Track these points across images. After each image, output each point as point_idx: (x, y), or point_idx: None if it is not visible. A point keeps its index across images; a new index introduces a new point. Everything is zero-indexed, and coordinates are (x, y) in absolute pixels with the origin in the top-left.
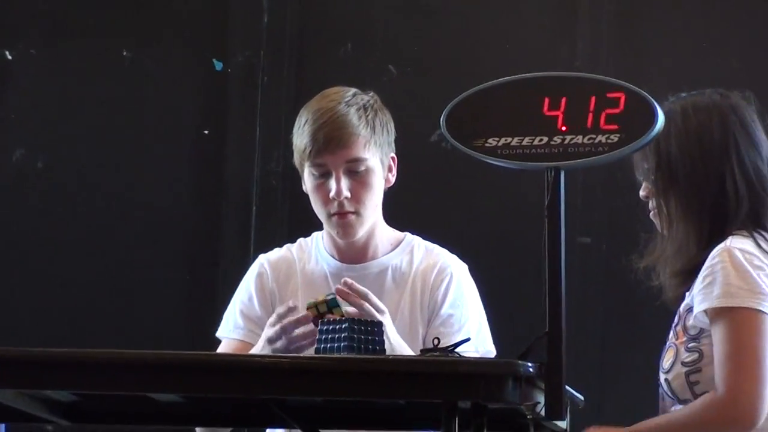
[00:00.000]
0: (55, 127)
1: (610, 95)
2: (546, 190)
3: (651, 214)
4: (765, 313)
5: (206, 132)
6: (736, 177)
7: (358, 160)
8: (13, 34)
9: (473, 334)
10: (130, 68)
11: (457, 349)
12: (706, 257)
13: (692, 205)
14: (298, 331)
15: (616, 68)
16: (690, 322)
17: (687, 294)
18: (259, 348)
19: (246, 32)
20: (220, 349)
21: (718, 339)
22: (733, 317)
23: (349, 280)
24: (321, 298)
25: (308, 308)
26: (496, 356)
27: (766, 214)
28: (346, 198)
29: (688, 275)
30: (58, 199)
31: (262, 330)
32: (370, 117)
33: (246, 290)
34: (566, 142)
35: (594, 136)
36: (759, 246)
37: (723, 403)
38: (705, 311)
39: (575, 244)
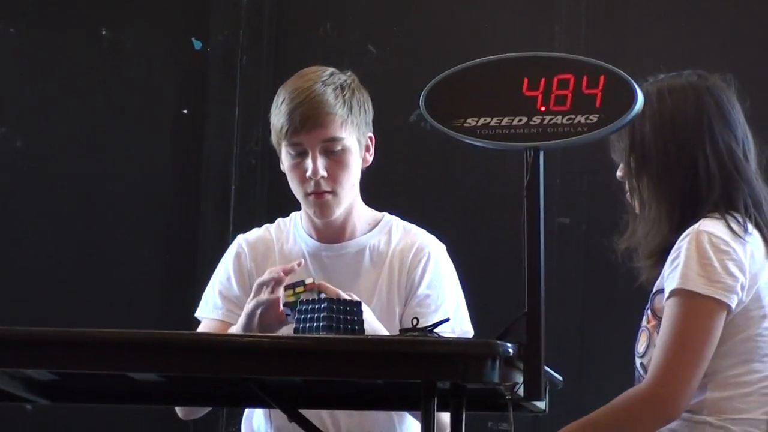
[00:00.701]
0: (35, 107)
1: (589, 76)
2: (525, 171)
3: (627, 195)
4: (718, 301)
5: (185, 111)
6: (709, 159)
7: (334, 140)
8: None
9: (451, 315)
10: (109, 47)
11: (435, 330)
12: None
13: (664, 186)
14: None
15: (596, 49)
16: (659, 305)
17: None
18: (238, 326)
19: (225, 11)
20: (200, 330)
21: (665, 319)
22: (685, 302)
23: (318, 283)
24: (299, 289)
25: (285, 290)
26: (474, 337)
27: (739, 196)
28: (323, 177)
29: (661, 256)
30: (37, 178)
31: (241, 310)
32: (347, 96)
33: (224, 270)
34: (545, 122)
35: (573, 116)
36: (730, 228)
37: (645, 394)
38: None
39: (554, 224)
